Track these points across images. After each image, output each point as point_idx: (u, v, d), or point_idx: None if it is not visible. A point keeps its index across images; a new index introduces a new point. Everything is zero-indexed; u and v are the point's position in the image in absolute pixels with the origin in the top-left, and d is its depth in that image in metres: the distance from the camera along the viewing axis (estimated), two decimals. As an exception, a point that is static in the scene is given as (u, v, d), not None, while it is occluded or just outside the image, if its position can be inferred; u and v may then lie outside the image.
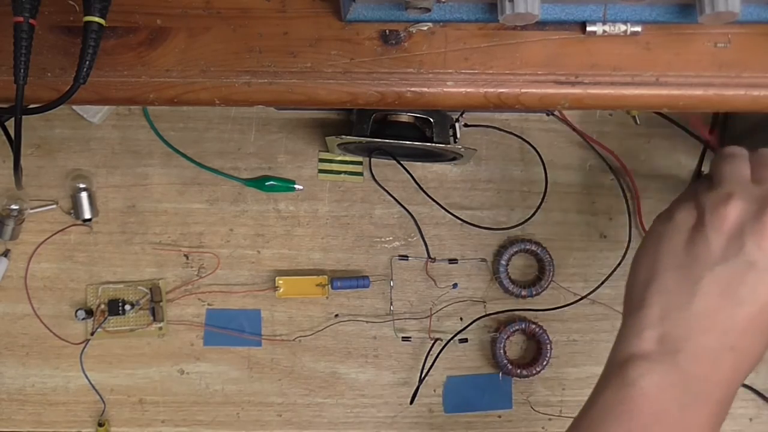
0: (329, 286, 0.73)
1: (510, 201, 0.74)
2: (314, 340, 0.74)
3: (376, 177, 0.73)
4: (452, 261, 0.74)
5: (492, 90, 0.48)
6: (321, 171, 0.74)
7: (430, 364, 0.73)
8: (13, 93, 0.45)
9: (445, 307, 0.74)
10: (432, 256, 0.73)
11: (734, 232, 0.49)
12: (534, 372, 0.73)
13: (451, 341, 0.73)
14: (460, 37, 0.48)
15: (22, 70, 0.44)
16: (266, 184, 0.73)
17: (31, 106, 0.47)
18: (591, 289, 0.73)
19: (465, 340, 0.74)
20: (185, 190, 0.74)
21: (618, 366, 0.50)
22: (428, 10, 0.46)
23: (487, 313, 0.74)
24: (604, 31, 0.48)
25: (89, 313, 0.73)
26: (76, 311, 0.72)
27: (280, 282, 0.73)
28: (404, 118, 0.67)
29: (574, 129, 0.73)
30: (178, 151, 0.73)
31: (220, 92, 0.48)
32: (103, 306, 0.73)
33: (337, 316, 0.74)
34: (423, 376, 0.73)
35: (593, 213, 0.75)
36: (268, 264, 0.74)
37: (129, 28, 0.48)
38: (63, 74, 0.48)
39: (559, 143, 0.74)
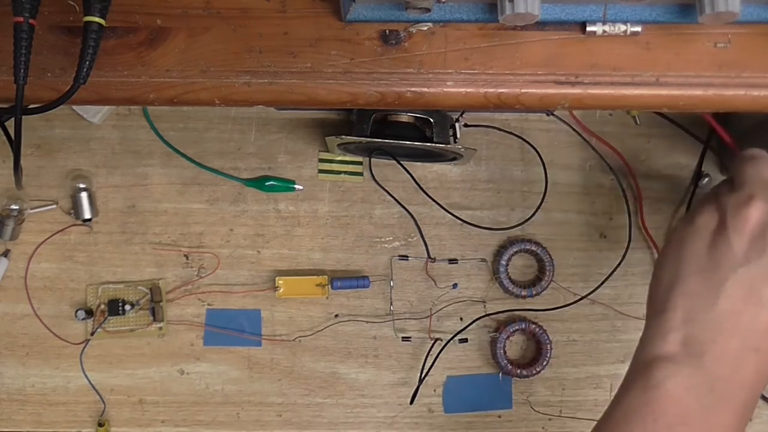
0: (329, 286, 0.73)
1: (510, 201, 0.74)
2: (314, 340, 0.74)
3: (376, 177, 0.73)
4: (452, 261, 0.74)
5: (492, 90, 0.48)
6: (321, 171, 0.74)
7: (430, 364, 0.73)
8: (13, 93, 0.45)
9: (445, 307, 0.74)
10: (432, 256, 0.73)
11: (756, 233, 0.49)
12: (534, 372, 0.73)
13: (451, 341, 0.73)
14: (460, 37, 0.48)
15: (22, 70, 0.44)
16: (266, 184, 0.73)
17: (31, 106, 0.47)
18: (591, 289, 0.73)
19: (465, 340, 0.74)
20: (185, 190, 0.74)
21: (643, 367, 0.50)
22: (428, 10, 0.46)
23: (487, 313, 0.74)
24: (604, 31, 0.48)
25: (89, 313, 0.73)
26: (76, 311, 0.72)
27: (280, 282, 0.73)
28: (404, 118, 0.67)
29: (584, 129, 0.73)
30: (178, 151, 0.73)
31: (220, 92, 0.48)
32: (103, 306, 0.73)
33: (337, 316, 0.74)
34: (423, 376, 0.73)
35: (593, 213, 0.75)
36: (268, 264, 0.74)
37: (129, 28, 0.48)
38: (63, 74, 0.48)
39: (559, 143, 0.74)
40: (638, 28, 0.47)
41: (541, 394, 0.74)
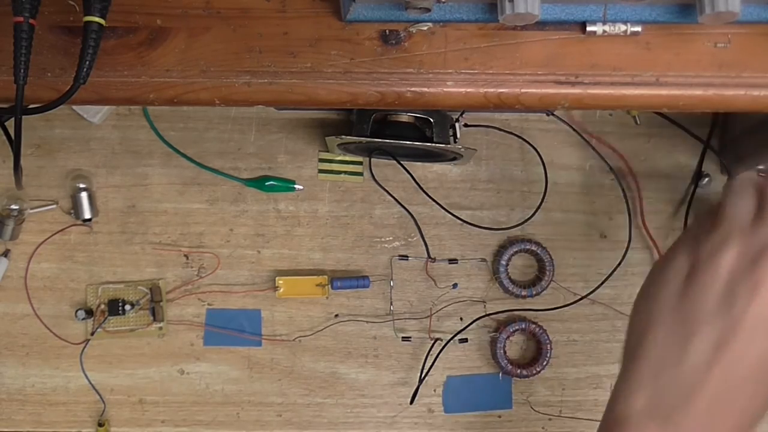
0: (329, 286, 0.73)
1: (510, 201, 0.74)
2: (314, 340, 0.74)
3: (376, 177, 0.73)
4: (452, 261, 0.74)
5: (492, 90, 0.48)
6: (321, 171, 0.74)
7: (430, 364, 0.73)
8: (13, 93, 0.45)
9: (445, 307, 0.74)
10: (432, 256, 0.73)
11: (727, 284, 0.47)
12: (534, 372, 0.73)
13: (451, 341, 0.73)
14: (460, 37, 0.48)
15: (22, 70, 0.44)
16: (266, 184, 0.73)
17: (31, 106, 0.46)
18: (591, 289, 0.73)
19: (465, 340, 0.74)
20: (185, 190, 0.74)
21: (612, 425, 0.48)
22: (428, 10, 0.46)
23: (487, 313, 0.74)
24: (604, 31, 0.48)
25: (89, 313, 0.73)
26: (76, 311, 0.72)
27: (280, 282, 0.73)
28: (404, 118, 0.67)
29: (582, 130, 0.73)
30: (178, 151, 0.73)
31: (220, 92, 0.48)
32: (103, 306, 0.73)
33: (337, 316, 0.74)
34: (423, 376, 0.73)
35: (593, 213, 0.75)
36: (268, 264, 0.74)
37: (129, 28, 0.48)
38: (63, 74, 0.48)
39: (559, 143, 0.74)
40: (638, 28, 0.47)
41: (541, 394, 0.74)
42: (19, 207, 0.72)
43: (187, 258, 0.74)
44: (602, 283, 0.73)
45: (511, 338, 0.74)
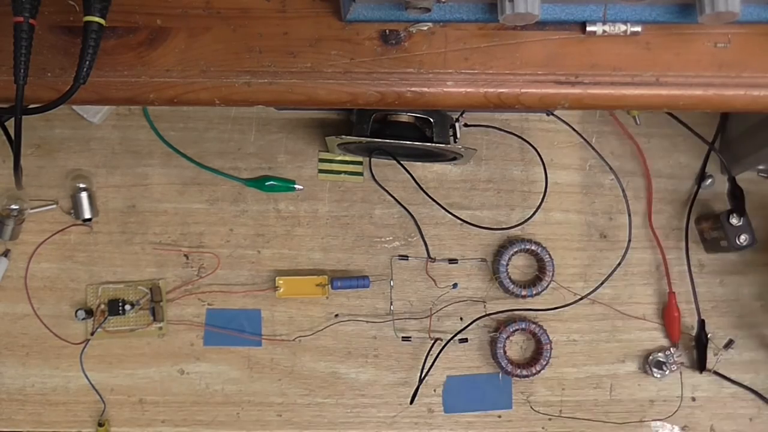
0: (329, 286, 0.73)
1: (510, 201, 0.74)
2: (314, 340, 0.74)
3: (376, 177, 0.73)
4: (452, 261, 0.74)
5: (492, 90, 0.48)
6: (321, 171, 0.74)
7: (430, 364, 0.73)
8: (13, 93, 0.45)
9: (445, 307, 0.74)
10: (432, 256, 0.73)
11: None
12: (534, 372, 0.73)
13: (451, 341, 0.73)
14: (460, 37, 0.48)
15: (22, 70, 0.44)
16: (266, 184, 0.73)
17: (31, 106, 0.47)
18: (591, 289, 0.73)
19: (465, 340, 0.74)
20: (185, 190, 0.74)
21: None
22: (428, 10, 0.46)
23: (487, 313, 0.74)
24: (604, 31, 0.47)
25: (89, 313, 0.73)
26: (76, 311, 0.72)
27: (280, 282, 0.73)
28: (404, 118, 0.67)
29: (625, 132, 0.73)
30: (178, 151, 0.73)
31: (220, 92, 0.48)
32: (103, 306, 0.73)
33: (337, 316, 0.74)
34: (423, 376, 0.73)
35: (593, 213, 0.75)
36: (268, 264, 0.74)
37: (129, 28, 0.48)
38: (63, 74, 0.48)
39: (559, 143, 0.74)
40: (638, 28, 0.47)
41: (541, 394, 0.74)
42: (19, 207, 0.72)
43: (187, 258, 0.74)
44: (602, 283, 0.73)
45: (511, 338, 0.74)
